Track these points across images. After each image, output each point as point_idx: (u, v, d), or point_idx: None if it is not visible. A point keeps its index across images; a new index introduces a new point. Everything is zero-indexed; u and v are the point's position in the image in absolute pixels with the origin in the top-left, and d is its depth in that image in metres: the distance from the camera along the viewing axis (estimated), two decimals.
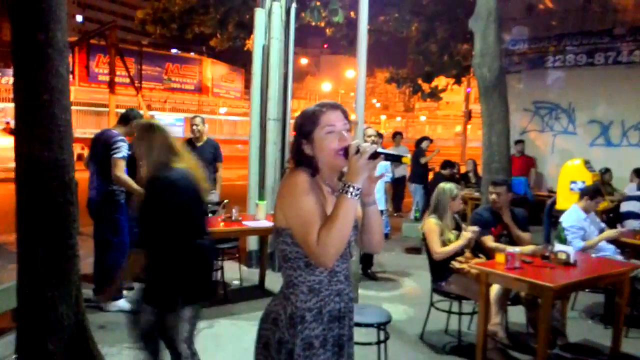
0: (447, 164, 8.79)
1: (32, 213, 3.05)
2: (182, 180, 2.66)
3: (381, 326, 3.17)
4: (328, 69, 65.55)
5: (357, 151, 1.65)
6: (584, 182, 6.75)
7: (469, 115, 20.81)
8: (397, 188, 10.47)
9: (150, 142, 2.73)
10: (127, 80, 24.04)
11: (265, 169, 6.06)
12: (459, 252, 4.11)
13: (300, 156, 1.77)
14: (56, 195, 3.06)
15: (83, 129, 24.12)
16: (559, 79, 10.24)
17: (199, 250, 2.74)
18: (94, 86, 34.38)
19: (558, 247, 3.92)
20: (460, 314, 4.12)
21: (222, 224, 4.89)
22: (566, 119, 10.13)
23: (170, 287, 2.66)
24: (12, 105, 3.16)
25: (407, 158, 1.77)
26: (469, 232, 4.08)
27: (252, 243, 6.12)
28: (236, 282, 5.55)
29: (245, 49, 10.38)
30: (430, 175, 10.02)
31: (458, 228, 4.28)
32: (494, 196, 4.41)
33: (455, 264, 4.08)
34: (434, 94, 13.72)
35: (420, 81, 13.37)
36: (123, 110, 5.23)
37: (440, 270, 4.17)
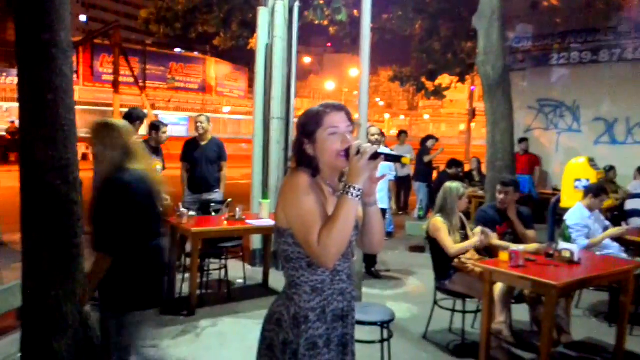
0: (453, 163, 8.75)
1: (37, 212, 3.07)
2: (137, 182, 2.56)
3: (385, 324, 3.17)
4: (331, 68, 65.50)
5: (358, 152, 1.65)
6: (588, 180, 6.73)
7: (473, 114, 20.77)
8: (402, 187, 10.49)
9: (105, 143, 2.61)
10: (131, 79, 24.14)
11: (269, 167, 6.07)
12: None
13: (302, 156, 1.77)
14: (60, 195, 3.07)
15: (87, 128, 24.18)
16: (563, 77, 10.20)
17: (150, 254, 2.66)
18: (98, 86, 34.49)
19: (562, 245, 3.91)
20: (464, 312, 4.12)
21: (225, 222, 4.90)
22: (571, 117, 10.10)
23: (118, 290, 2.58)
24: (16, 105, 3.17)
25: (407, 159, 1.78)
26: (480, 231, 4.08)
27: (256, 242, 6.13)
28: (240, 281, 5.56)
29: (249, 47, 10.39)
30: (435, 174, 10.02)
31: (463, 227, 4.28)
32: (502, 196, 4.39)
33: (461, 258, 4.09)
34: (438, 92, 13.69)
35: (424, 79, 13.35)
36: (127, 110, 5.25)
37: (444, 268, 4.16)
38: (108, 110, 24.93)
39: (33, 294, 3.11)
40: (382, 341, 3.19)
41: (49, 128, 3.03)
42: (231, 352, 3.91)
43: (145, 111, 5.37)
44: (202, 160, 5.87)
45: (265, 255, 5.59)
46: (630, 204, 6.33)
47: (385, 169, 5.55)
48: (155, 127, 5.58)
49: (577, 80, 9.94)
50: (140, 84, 24.36)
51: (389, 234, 7.91)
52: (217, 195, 5.91)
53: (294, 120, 6.15)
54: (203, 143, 5.93)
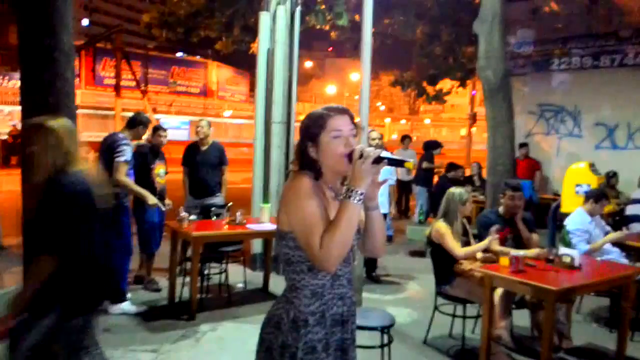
0: (451, 167, 8.77)
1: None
2: (75, 185, 2.43)
3: (385, 329, 3.16)
4: (333, 72, 65.52)
5: (361, 156, 1.65)
6: (589, 185, 6.72)
7: (473, 118, 20.73)
8: (403, 191, 10.48)
9: (42, 144, 2.44)
10: (133, 83, 24.17)
11: (270, 171, 6.08)
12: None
13: (305, 159, 1.77)
14: None
15: (89, 132, 24.24)
16: (564, 82, 10.21)
17: (92, 256, 2.54)
18: (100, 89, 34.50)
19: (562, 250, 3.91)
20: (464, 317, 4.11)
21: (226, 226, 4.91)
22: (571, 122, 10.10)
23: (49, 294, 2.40)
24: (18, 108, 3.18)
25: (410, 163, 1.76)
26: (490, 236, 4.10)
27: (256, 246, 6.13)
28: (240, 285, 5.56)
29: (251, 52, 10.41)
30: (436, 178, 10.00)
31: (465, 233, 4.28)
32: (511, 201, 4.36)
33: (463, 262, 4.09)
34: (439, 97, 13.71)
35: (425, 84, 13.36)
36: (129, 114, 5.26)
37: (445, 273, 4.16)
38: (110, 114, 24.97)
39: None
40: (382, 346, 3.19)
41: None
42: (231, 357, 3.91)
43: (147, 115, 5.36)
44: (203, 165, 5.88)
45: (266, 259, 5.58)
46: (630, 209, 6.33)
47: (386, 173, 5.56)
48: (155, 128, 5.59)
49: (578, 86, 9.94)
50: (142, 88, 24.44)
51: (389, 238, 7.90)
52: (218, 199, 5.92)
53: (295, 125, 6.15)
54: (204, 148, 5.94)
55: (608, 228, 4.98)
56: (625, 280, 3.87)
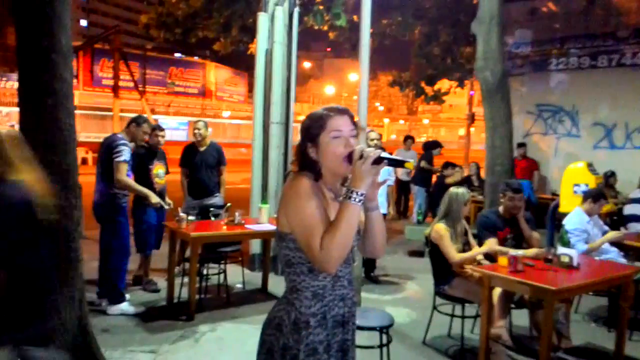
0: (447, 165, 8.82)
1: None
2: (12, 196, 2.25)
3: (384, 330, 3.16)
4: (331, 73, 65.55)
5: (361, 156, 1.64)
6: (587, 184, 6.72)
7: (472, 118, 20.75)
8: (402, 191, 10.49)
9: None
10: (131, 84, 24.12)
11: (268, 172, 6.08)
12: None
13: (304, 159, 1.76)
14: (59, 199, 3.07)
15: (87, 133, 24.24)
16: (562, 82, 10.22)
17: (26, 273, 2.30)
18: (98, 90, 34.47)
19: (561, 250, 3.91)
20: (463, 317, 4.11)
21: (225, 227, 4.90)
22: (569, 122, 10.11)
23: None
24: (16, 109, 3.17)
25: (410, 163, 1.75)
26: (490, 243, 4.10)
27: (255, 246, 6.13)
28: (239, 286, 5.56)
29: (249, 52, 10.41)
30: (434, 178, 10.01)
31: (465, 233, 4.28)
32: (512, 202, 4.36)
33: (467, 267, 4.10)
34: (437, 97, 13.73)
35: (423, 84, 13.39)
36: (127, 115, 5.25)
37: (443, 273, 4.16)
38: (108, 115, 24.94)
39: None
40: (381, 346, 3.19)
41: (49, 133, 3.04)
42: (230, 357, 3.90)
43: (145, 116, 5.34)
44: (201, 165, 5.88)
45: (265, 259, 5.58)
46: (628, 209, 6.33)
47: (385, 174, 5.56)
48: (152, 128, 5.57)
49: (575, 85, 9.96)
50: (140, 89, 24.34)
51: None
52: (217, 199, 5.92)
53: (293, 125, 6.16)
54: (202, 148, 5.94)
55: (606, 228, 4.99)
56: (624, 279, 3.88)
